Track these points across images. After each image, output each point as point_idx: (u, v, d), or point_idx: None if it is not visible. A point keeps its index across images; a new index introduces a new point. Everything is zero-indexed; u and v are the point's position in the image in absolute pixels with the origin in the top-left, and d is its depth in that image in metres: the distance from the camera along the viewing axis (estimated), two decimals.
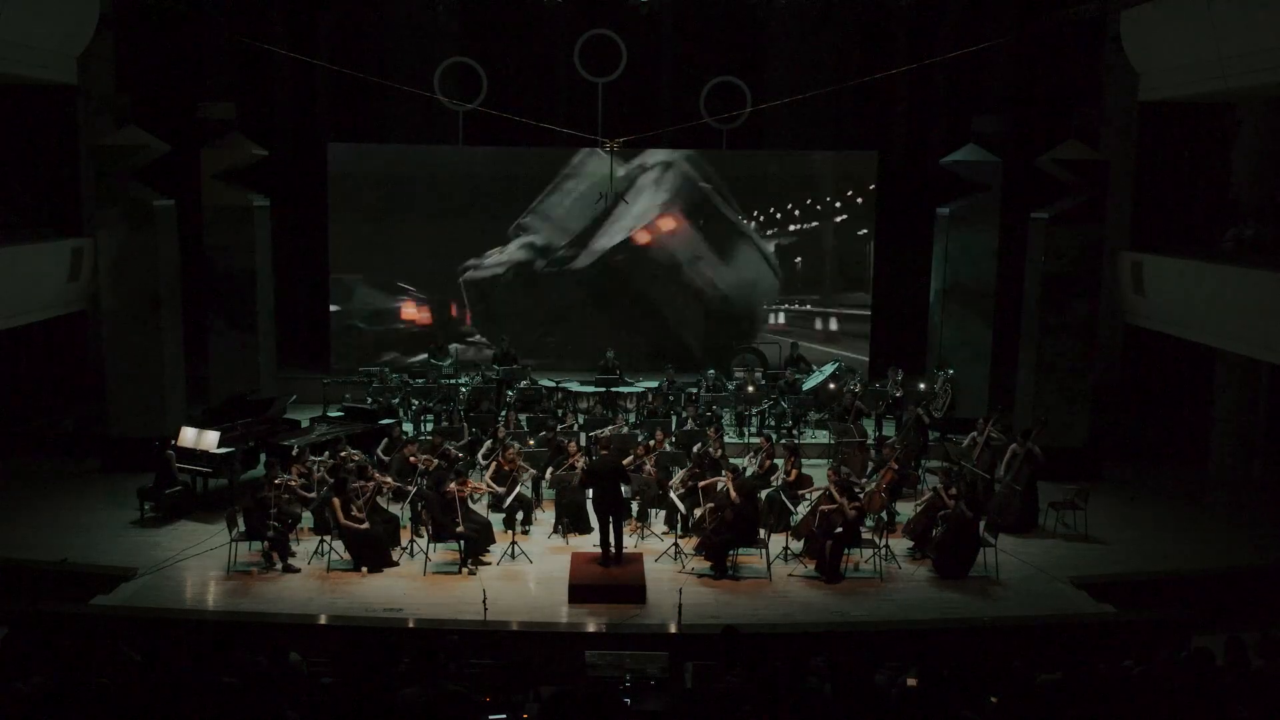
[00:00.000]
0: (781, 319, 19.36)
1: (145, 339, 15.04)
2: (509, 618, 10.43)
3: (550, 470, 13.40)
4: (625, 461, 12.62)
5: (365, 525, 11.64)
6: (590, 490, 12.16)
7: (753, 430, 16.28)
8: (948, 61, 17.80)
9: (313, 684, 7.32)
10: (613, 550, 11.64)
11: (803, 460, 13.98)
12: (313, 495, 12.47)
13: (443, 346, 17.61)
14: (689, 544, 12.16)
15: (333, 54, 19.35)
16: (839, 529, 11.60)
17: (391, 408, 15.76)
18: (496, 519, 12.42)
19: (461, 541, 11.75)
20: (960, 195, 17.58)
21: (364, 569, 11.64)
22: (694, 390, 16.48)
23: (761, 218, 19.12)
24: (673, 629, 10.16)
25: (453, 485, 11.90)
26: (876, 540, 11.93)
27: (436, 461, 13.05)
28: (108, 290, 14.98)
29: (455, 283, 19.21)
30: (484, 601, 10.12)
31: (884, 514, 12.76)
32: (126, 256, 14.91)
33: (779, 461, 13.70)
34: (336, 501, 11.59)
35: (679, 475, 13.07)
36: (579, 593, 11.03)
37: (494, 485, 12.80)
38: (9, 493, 14.03)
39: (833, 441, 15.18)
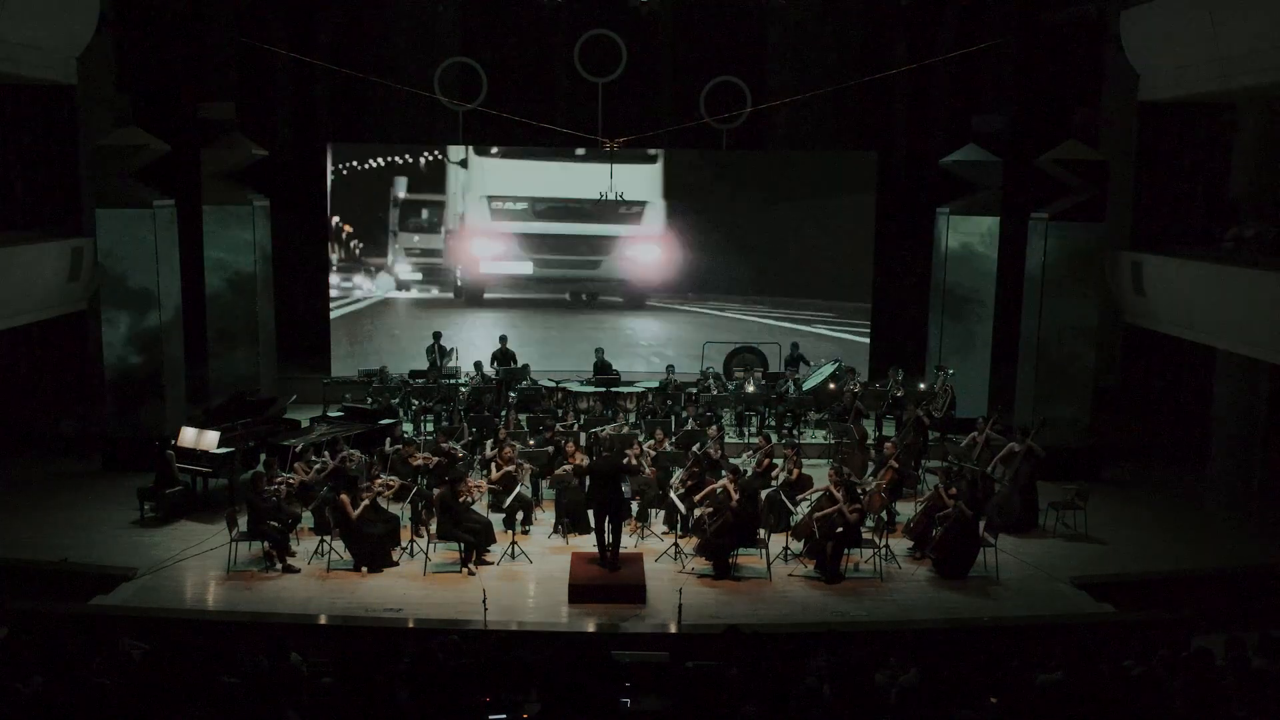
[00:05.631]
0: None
1: (146, 339, 15.05)
2: (509, 618, 10.43)
3: (550, 470, 13.41)
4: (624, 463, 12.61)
5: (370, 520, 11.66)
6: (588, 488, 12.16)
7: (753, 430, 16.28)
8: (948, 61, 17.83)
9: (313, 684, 7.32)
10: (609, 552, 11.64)
11: (803, 460, 13.98)
12: (313, 495, 12.47)
13: (441, 347, 17.60)
14: (689, 544, 12.16)
15: (333, 54, 19.36)
16: (840, 529, 11.61)
17: (391, 408, 15.76)
18: (496, 519, 12.42)
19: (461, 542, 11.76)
20: (960, 195, 17.58)
21: (364, 569, 11.64)
22: (694, 390, 16.49)
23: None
24: (673, 629, 10.16)
25: (469, 483, 12.03)
26: (876, 540, 11.94)
27: (437, 460, 13.06)
28: (108, 290, 14.98)
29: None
30: (484, 601, 10.12)
31: (884, 514, 12.77)
32: (127, 257, 14.92)
33: (779, 461, 13.70)
34: (345, 498, 11.59)
35: (678, 475, 13.09)
36: (579, 593, 11.03)
37: (494, 485, 12.81)
38: (9, 493, 14.02)
39: (833, 441, 15.18)
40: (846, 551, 11.79)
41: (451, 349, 17.53)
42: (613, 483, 11.71)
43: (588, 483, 12.54)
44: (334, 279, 17.47)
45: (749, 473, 13.27)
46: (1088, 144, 15.49)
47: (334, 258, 16.86)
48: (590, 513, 12.11)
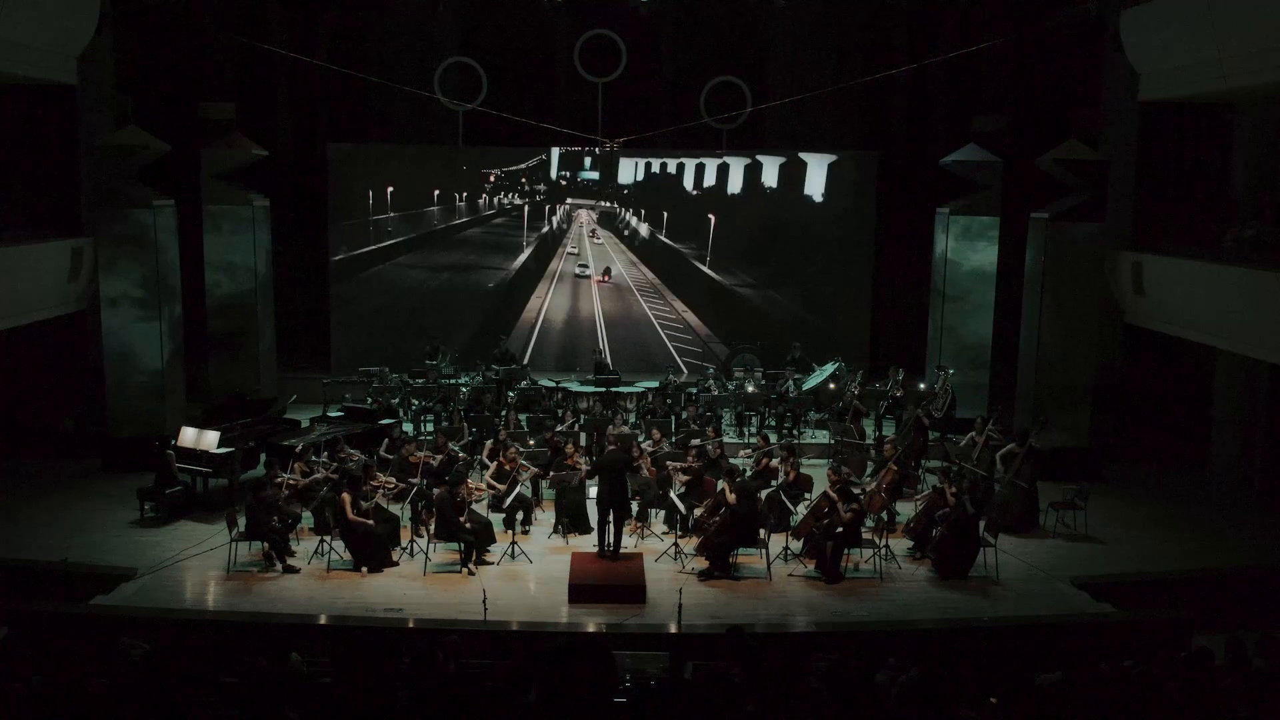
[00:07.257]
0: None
1: (145, 339, 15.04)
2: (509, 618, 10.43)
3: (550, 471, 13.41)
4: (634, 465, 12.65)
5: (371, 523, 11.67)
6: (594, 484, 12.20)
7: (753, 430, 16.28)
8: (948, 61, 17.81)
9: (313, 684, 7.32)
10: (609, 546, 11.68)
11: (802, 460, 13.97)
12: (313, 494, 12.47)
13: (437, 349, 17.60)
14: (689, 544, 12.16)
15: (333, 54, 19.34)
16: (839, 529, 11.61)
17: (391, 408, 15.76)
18: (496, 519, 12.42)
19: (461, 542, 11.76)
20: (960, 195, 17.58)
21: (364, 569, 11.64)
22: (694, 390, 16.49)
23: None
24: (673, 629, 10.16)
25: (468, 485, 12.00)
26: (876, 540, 11.93)
27: (439, 459, 13.06)
28: (107, 290, 14.97)
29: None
30: (484, 601, 10.12)
31: (884, 514, 12.76)
32: (127, 256, 14.91)
33: (777, 462, 13.70)
34: (347, 497, 11.59)
35: (674, 466, 13.10)
36: (579, 593, 11.04)
37: (494, 485, 12.82)
38: (9, 493, 14.02)
39: (833, 441, 15.18)
40: (846, 551, 11.79)
41: (447, 351, 17.54)
42: (620, 478, 11.78)
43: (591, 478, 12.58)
44: None
45: (748, 473, 13.28)
46: (1088, 144, 15.49)
47: None
48: (594, 506, 12.13)
